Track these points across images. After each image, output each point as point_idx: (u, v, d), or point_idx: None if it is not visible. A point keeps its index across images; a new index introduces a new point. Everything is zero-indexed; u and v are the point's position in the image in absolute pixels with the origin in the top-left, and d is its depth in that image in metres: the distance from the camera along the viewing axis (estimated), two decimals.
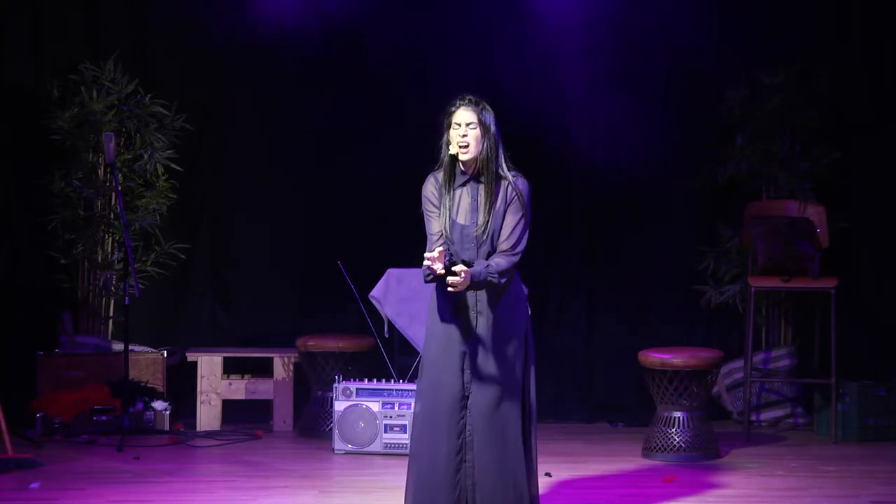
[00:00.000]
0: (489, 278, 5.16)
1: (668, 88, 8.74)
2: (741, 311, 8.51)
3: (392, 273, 7.71)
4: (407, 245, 8.22)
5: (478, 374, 5.24)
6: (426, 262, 5.09)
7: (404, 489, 5.38)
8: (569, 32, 8.74)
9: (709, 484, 6.70)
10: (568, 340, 8.77)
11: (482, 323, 5.27)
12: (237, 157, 8.74)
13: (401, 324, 7.68)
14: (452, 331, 5.28)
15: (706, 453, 7.36)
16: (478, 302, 5.27)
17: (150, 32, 8.66)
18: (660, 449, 7.36)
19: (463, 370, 5.25)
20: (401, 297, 7.67)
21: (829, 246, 8.25)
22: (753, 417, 8.41)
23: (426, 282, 5.20)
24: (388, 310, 7.69)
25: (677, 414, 7.36)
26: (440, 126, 5.35)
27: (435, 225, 5.31)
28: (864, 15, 8.73)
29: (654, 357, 7.38)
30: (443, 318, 5.29)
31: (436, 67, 8.50)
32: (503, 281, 5.22)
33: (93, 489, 6.39)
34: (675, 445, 7.33)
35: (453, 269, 5.08)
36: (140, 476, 6.71)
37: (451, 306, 5.28)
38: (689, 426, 7.34)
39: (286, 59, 8.67)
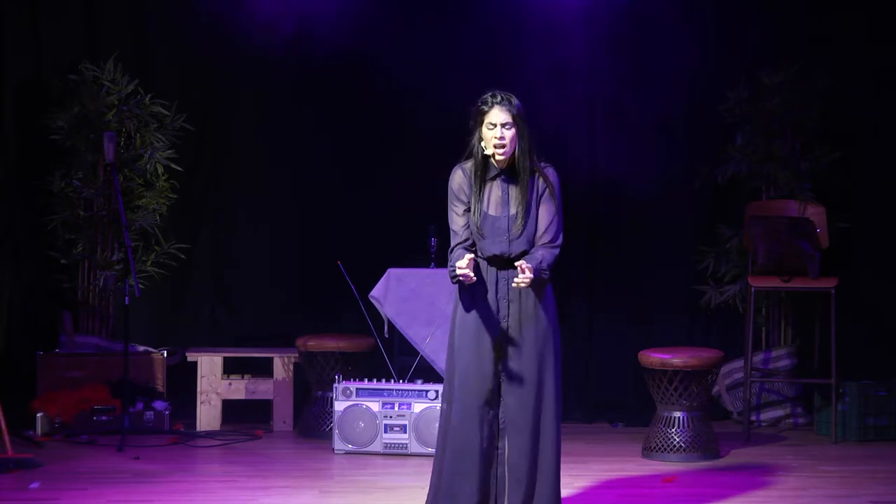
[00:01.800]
0: (542, 275, 5.20)
1: (668, 88, 8.74)
2: (741, 311, 8.50)
3: (392, 273, 7.71)
4: (407, 245, 8.28)
5: (513, 363, 5.26)
6: (458, 272, 5.08)
7: (429, 485, 5.40)
8: (569, 33, 8.74)
9: (709, 484, 6.70)
10: (568, 340, 8.72)
11: (514, 311, 5.28)
12: (237, 157, 8.74)
13: (401, 324, 7.68)
14: (484, 320, 5.27)
15: (706, 453, 7.36)
16: (509, 291, 5.28)
17: (150, 32, 8.65)
18: (660, 449, 7.36)
19: (496, 359, 5.26)
20: (401, 297, 7.67)
21: (829, 246, 8.25)
22: (753, 417, 8.41)
23: (453, 282, 5.22)
24: (388, 310, 7.69)
25: (677, 414, 7.36)
26: (466, 119, 5.30)
27: (459, 219, 5.31)
28: (865, 14, 8.72)
29: (654, 357, 7.38)
30: (473, 308, 5.27)
31: (435, 78, 8.48)
32: (549, 275, 5.25)
33: (93, 489, 6.39)
34: (675, 445, 7.33)
35: (515, 264, 5.10)
36: (140, 476, 6.71)
37: (481, 297, 5.28)
38: (689, 426, 7.34)
39: (287, 59, 8.67)
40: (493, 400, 5.28)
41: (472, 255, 5.17)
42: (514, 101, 5.25)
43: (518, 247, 5.27)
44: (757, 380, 8.38)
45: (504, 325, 5.28)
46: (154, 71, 8.64)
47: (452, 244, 5.33)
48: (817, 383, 8.23)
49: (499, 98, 5.23)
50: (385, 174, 8.63)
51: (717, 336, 8.74)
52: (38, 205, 8.38)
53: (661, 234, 8.79)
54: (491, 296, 5.29)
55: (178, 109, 8.44)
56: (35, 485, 6.43)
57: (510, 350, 5.28)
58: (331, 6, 8.62)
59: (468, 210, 5.30)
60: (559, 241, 5.33)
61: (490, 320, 5.28)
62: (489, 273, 5.30)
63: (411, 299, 7.63)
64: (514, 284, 5.13)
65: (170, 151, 8.41)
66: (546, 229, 5.30)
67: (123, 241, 7.62)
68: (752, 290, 8.15)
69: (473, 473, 5.25)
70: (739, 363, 8.39)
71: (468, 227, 5.30)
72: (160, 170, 8.40)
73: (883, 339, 8.58)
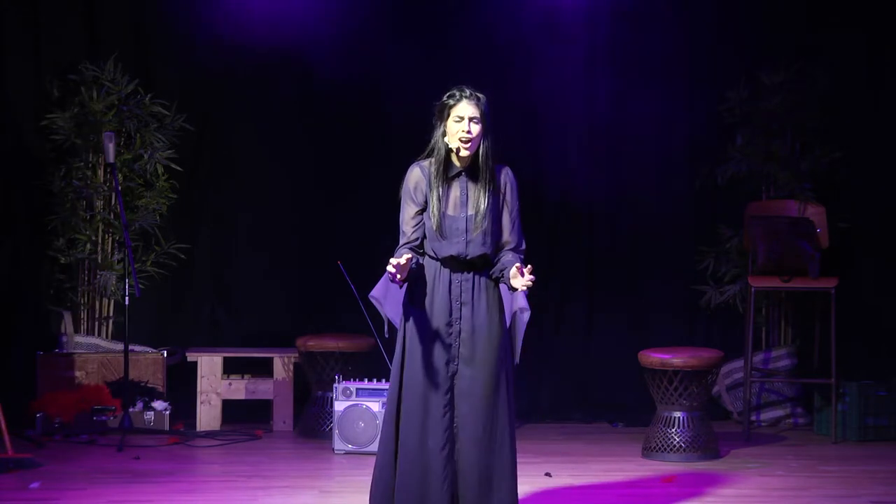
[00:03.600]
0: None
1: (668, 89, 8.74)
2: (741, 311, 8.51)
3: None
4: None
5: (466, 367, 5.18)
6: (391, 268, 5.00)
7: (371, 487, 5.29)
8: (569, 33, 8.74)
9: (709, 484, 6.70)
10: (568, 340, 8.77)
11: (467, 314, 5.22)
12: (237, 158, 8.73)
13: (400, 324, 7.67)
14: (436, 323, 5.21)
15: (706, 453, 7.36)
16: (462, 293, 5.22)
17: (150, 32, 8.65)
18: (660, 449, 7.36)
19: (448, 362, 5.20)
20: (400, 298, 7.65)
21: (829, 246, 8.25)
22: (753, 417, 8.41)
23: (390, 280, 5.13)
24: (387, 310, 7.67)
25: (677, 414, 7.36)
26: (431, 115, 5.28)
27: (411, 220, 5.24)
28: (865, 14, 8.72)
29: (654, 357, 7.38)
30: (425, 312, 5.22)
31: (435, 79, 8.40)
32: None
33: (93, 489, 6.39)
34: (675, 445, 7.33)
35: (514, 268, 4.99)
36: (140, 476, 6.71)
37: (432, 300, 5.22)
38: (689, 426, 7.34)
39: (287, 58, 8.66)
40: (445, 405, 5.16)
41: (412, 256, 5.08)
42: (483, 97, 5.18)
43: (475, 248, 5.18)
44: (757, 380, 8.38)
45: (457, 328, 5.20)
46: (154, 71, 8.63)
47: (401, 243, 5.25)
48: (817, 383, 8.23)
49: (467, 92, 5.17)
50: (385, 174, 8.57)
51: (717, 336, 8.75)
52: (38, 205, 8.39)
53: (661, 233, 8.79)
54: (444, 298, 5.20)
55: (178, 109, 8.45)
56: (35, 485, 6.43)
57: (463, 354, 5.18)
58: (332, 7, 8.62)
59: (421, 211, 5.22)
60: (524, 246, 5.26)
61: (444, 323, 5.19)
62: (442, 274, 5.22)
63: None
64: (522, 287, 4.99)
65: (170, 151, 8.42)
66: (510, 235, 5.23)
67: (123, 241, 7.62)
68: (752, 290, 8.15)
69: (430, 480, 5.12)
70: (739, 363, 8.39)
71: (419, 227, 5.22)
72: (160, 170, 8.40)
73: (883, 339, 8.58)
